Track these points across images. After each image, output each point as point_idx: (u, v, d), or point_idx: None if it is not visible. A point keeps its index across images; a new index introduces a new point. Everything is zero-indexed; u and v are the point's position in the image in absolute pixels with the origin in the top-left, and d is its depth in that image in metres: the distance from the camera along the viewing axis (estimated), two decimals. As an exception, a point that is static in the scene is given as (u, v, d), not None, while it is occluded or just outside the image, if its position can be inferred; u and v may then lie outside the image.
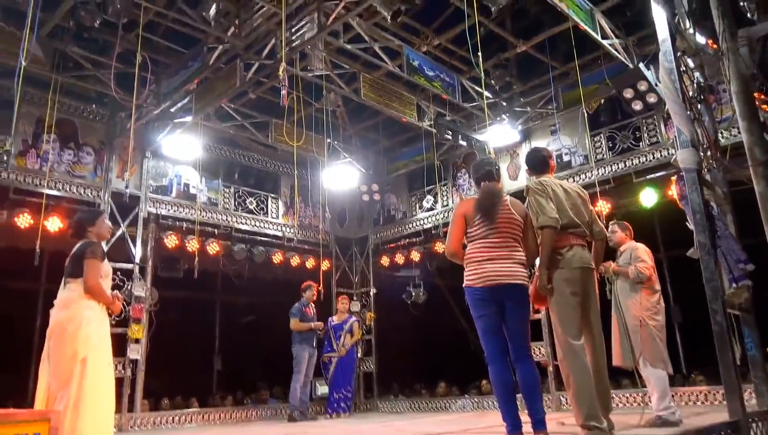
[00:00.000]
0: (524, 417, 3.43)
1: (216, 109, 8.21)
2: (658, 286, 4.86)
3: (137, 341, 7.62)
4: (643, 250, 4.96)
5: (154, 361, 7.86)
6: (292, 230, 9.91)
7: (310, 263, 9.91)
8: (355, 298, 10.54)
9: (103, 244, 7.42)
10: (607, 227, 4.70)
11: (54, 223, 7.22)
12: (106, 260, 4.14)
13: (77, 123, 7.97)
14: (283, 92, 5.54)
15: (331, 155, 9.48)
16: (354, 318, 8.97)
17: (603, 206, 7.55)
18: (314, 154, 9.20)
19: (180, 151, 8.38)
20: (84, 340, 3.73)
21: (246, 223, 9.40)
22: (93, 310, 3.86)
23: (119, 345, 7.43)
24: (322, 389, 8.92)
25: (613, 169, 7.82)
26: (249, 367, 10.48)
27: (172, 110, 7.86)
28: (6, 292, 8.49)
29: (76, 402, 3.56)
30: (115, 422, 7.02)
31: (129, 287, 7.78)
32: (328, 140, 9.18)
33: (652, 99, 6.88)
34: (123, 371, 7.44)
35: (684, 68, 3.81)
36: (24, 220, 7.17)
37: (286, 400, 8.48)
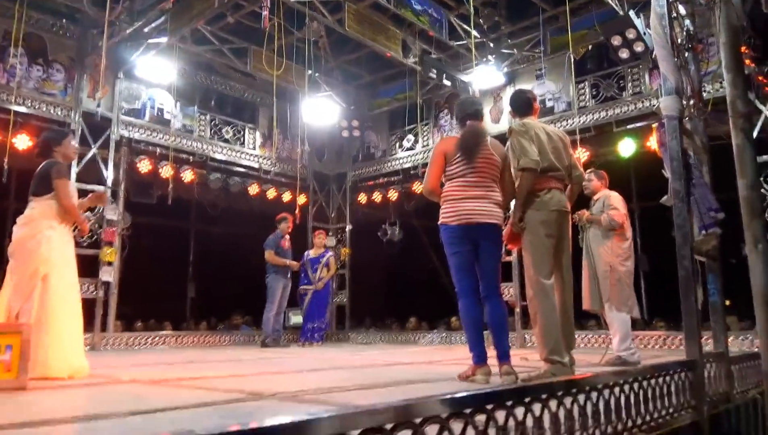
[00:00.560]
0: (491, 351, 3.53)
1: (192, 32, 7.90)
2: (629, 234, 5.01)
3: (110, 264, 7.57)
4: (616, 197, 5.05)
5: (128, 285, 7.87)
6: (269, 162, 9.78)
7: (286, 196, 9.85)
8: (331, 233, 10.57)
9: (74, 165, 7.36)
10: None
11: (22, 141, 7.01)
12: (72, 180, 4.09)
13: (46, 38, 7.63)
14: (264, 13, 5.34)
15: (312, 87, 9.25)
16: (330, 253, 9.03)
17: (581, 154, 7.58)
18: (294, 85, 8.97)
19: (154, 74, 8.10)
20: (45, 257, 3.75)
21: (222, 153, 9.23)
22: (54, 229, 3.87)
23: (92, 267, 7.41)
24: (296, 319, 9.06)
25: (595, 118, 7.81)
26: (223, 295, 10.56)
27: (146, 30, 7.52)
28: (-27, 210, 8.32)
29: (38, 318, 3.59)
30: (87, 341, 7.13)
31: (101, 210, 7.66)
32: (309, 72, 8.92)
33: (639, 48, 6.82)
34: (96, 292, 7.44)
35: (675, 14, 3.73)
36: (-9, 136, 6.93)
37: (260, 328, 8.62)
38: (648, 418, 2.30)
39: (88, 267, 7.31)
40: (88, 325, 7.27)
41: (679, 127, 3.14)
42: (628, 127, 7.61)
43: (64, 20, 7.74)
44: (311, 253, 8.77)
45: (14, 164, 6.81)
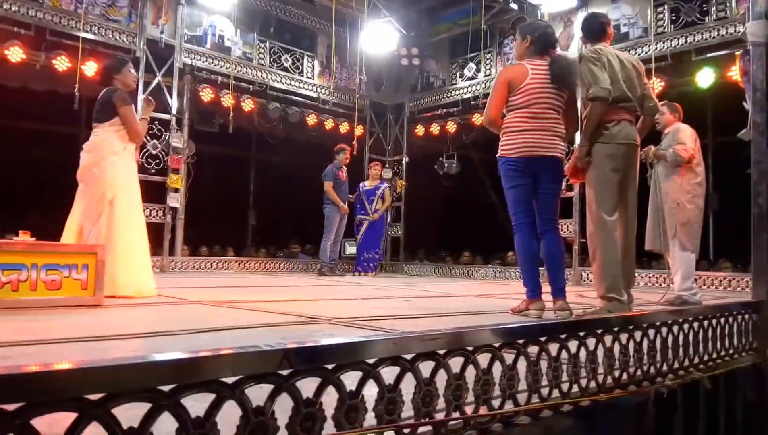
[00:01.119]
0: (545, 287, 3.50)
1: (253, -46, 7.75)
2: (699, 170, 4.74)
3: (176, 190, 7.88)
4: (685, 132, 4.76)
5: (193, 211, 8.18)
6: (327, 92, 9.72)
7: (344, 127, 9.82)
8: (387, 165, 10.55)
9: (140, 92, 7.55)
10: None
11: (91, 68, 7.19)
12: (133, 107, 4.21)
13: (110, -38, 7.65)
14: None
15: (371, 13, 9.00)
16: (386, 184, 9.06)
17: (656, 84, 7.11)
18: (353, 9, 8.73)
19: (215, 0, 8.05)
20: (110, 181, 3.93)
21: (281, 82, 9.22)
22: (118, 154, 4.01)
23: (159, 193, 7.74)
24: (351, 249, 9.25)
25: (673, 45, 7.25)
26: (282, 224, 10.86)
27: (207, -48, 7.44)
28: (48, 135, 8.75)
29: (107, 238, 3.80)
30: (156, 264, 7.56)
31: (167, 138, 7.90)
32: (369, -5, 8.66)
33: (728, -34, 6.22)
34: (163, 217, 7.80)
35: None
36: (62, 63, 7.14)
37: (317, 257, 8.87)
38: (706, 357, 2.25)
39: (155, 193, 7.65)
40: (158, 249, 7.71)
41: (766, 54, 2.88)
42: (709, 55, 7.04)
43: (127, -57, 7.75)
44: (367, 184, 8.83)
45: (83, 91, 7.03)
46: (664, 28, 7.37)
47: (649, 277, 7.17)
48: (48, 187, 7.43)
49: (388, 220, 10.28)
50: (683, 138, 4.70)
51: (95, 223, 3.87)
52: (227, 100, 8.45)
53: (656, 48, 7.28)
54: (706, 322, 2.28)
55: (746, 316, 2.53)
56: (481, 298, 5.12)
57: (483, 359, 1.49)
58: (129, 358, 0.97)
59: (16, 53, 6.86)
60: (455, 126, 9.71)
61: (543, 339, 1.69)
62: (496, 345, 1.56)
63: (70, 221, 3.96)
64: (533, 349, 1.64)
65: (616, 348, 1.89)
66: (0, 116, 8.03)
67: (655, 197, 4.81)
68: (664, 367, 2.05)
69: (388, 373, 1.28)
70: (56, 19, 7.16)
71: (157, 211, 7.76)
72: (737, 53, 3.54)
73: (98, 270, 3.36)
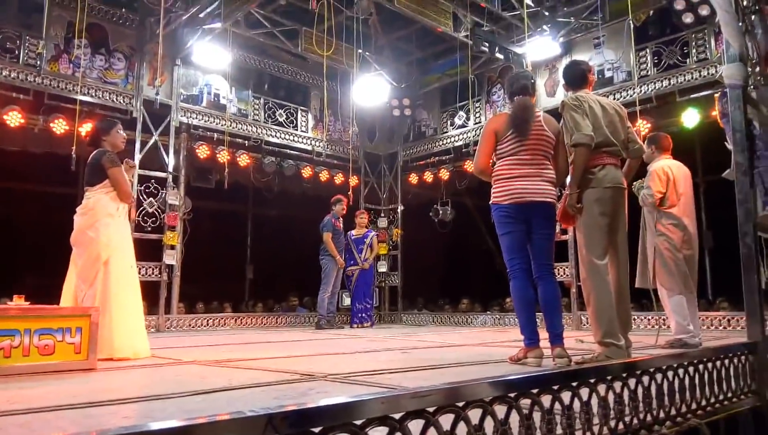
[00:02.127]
0: (543, 334, 3.48)
1: (245, 16, 8.00)
2: (675, 210, 4.65)
3: (172, 247, 7.89)
4: (654, 172, 4.70)
5: (189, 268, 8.18)
6: (321, 144, 9.87)
7: (338, 178, 9.94)
8: (383, 214, 10.63)
9: (137, 152, 7.67)
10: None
11: (88, 129, 7.31)
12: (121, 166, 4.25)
13: (108, 28, 7.90)
14: (313, -6, 5.34)
15: (362, 67, 9.23)
16: (373, 232, 9.10)
17: (643, 126, 7.26)
18: (344, 65, 8.97)
19: (210, 60, 8.27)
20: (105, 243, 3.95)
21: (276, 136, 9.38)
22: (111, 216, 4.05)
23: (155, 251, 7.75)
24: (348, 300, 9.21)
25: (657, 87, 7.44)
26: (279, 277, 10.83)
27: (201, 15, 7.69)
28: (45, 196, 8.83)
29: (102, 300, 3.79)
30: (152, 323, 7.50)
31: (163, 195, 7.97)
32: (359, 51, 8.90)
33: (704, 11, 6.48)
34: (159, 275, 7.79)
35: (741, -26, 3.49)
36: (59, 126, 7.29)
37: (314, 310, 8.81)
38: (704, 402, 2.22)
39: (151, 251, 7.66)
40: (153, 308, 7.67)
41: (742, 96, 2.96)
42: (692, 96, 7.22)
43: (123, 9, 8.00)
44: (354, 233, 8.85)
45: (80, 152, 7.12)
46: (647, 71, 7.57)
47: (648, 320, 7.12)
48: (46, 249, 7.44)
49: (386, 268, 10.29)
50: (650, 181, 4.68)
51: (91, 285, 3.87)
52: (223, 156, 8.58)
53: (641, 91, 7.46)
54: (701, 366, 2.26)
55: (743, 357, 2.52)
56: (480, 347, 5.07)
57: (474, 414, 1.48)
58: (120, 428, 0.96)
59: (15, 118, 7.01)
60: (448, 173, 9.83)
61: (535, 391, 1.68)
62: (487, 399, 1.55)
63: (66, 287, 3.97)
64: (525, 402, 1.63)
65: (611, 397, 1.87)
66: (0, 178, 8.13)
67: (643, 235, 4.82)
68: (661, 414, 2.02)
69: (378, 433, 1.27)
70: (54, 83, 7.34)
71: (153, 269, 7.75)
72: (716, 95, 3.64)
73: (92, 333, 3.34)
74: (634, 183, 4.78)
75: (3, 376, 2.97)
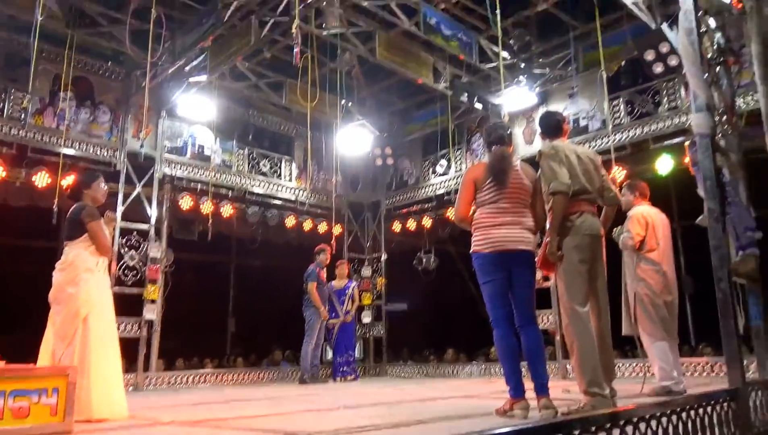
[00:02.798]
0: (529, 383, 3.46)
1: (230, 69, 8.15)
2: (654, 254, 4.69)
3: (153, 302, 7.75)
4: (633, 217, 4.78)
5: (170, 321, 8.02)
6: (305, 194, 9.92)
7: (322, 227, 9.95)
8: (366, 262, 10.61)
9: (119, 204, 7.64)
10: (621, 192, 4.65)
11: (70, 183, 7.29)
12: (101, 220, 4.21)
13: (93, 81, 7.99)
14: (296, 50, 5.49)
15: (345, 117, 9.39)
16: (354, 283, 9.03)
17: (618, 173, 7.43)
18: (328, 115, 9.12)
19: (195, 112, 8.36)
20: (84, 299, 3.86)
21: (260, 186, 9.42)
22: (91, 271, 3.97)
23: (135, 305, 7.60)
24: (331, 353, 9.06)
25: (630, 135, 7.65)
26: (262, 329, 10.68)
27: (187, 69, 7.83)
28: (26, 251, 8.71)
29: (81, 359, 3.69)
30: (130, 381, 7.30)
31: (145, 248, 7.90)
32: (343, 101, 9.08)
33: (673, 61, 6.73)
34: (139, 331, 7.61)
35: (705, 28, 3.66)
36: (42, 179, 7.27)
37: (298, 363, 8.64)
38: (689, 453, 2.21)
39: (131, 306, 7.50)
40: (132, 365, 7.47)
41: (711, 144, 3.06)
42: (666, 143, 7.43)
43: (109, 63, 8.11)
44: (335, 285, 8.73)
45: (63, 205, 7.07)
46: (621, 119, 7.80)
47: (633, 367, 7.08)
48: (25, 304, 7.29)
49: (370, 319, 10.18)
50: (629, 225, 4.76)
51: (70, 343, 3.76)
52: (206, 207, 8.56)
53: (615, 139, 7.66)
54: (684, 414, 2.25)
55: (725, 404, 2.52)
56: (466, 399, 5.01)
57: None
58: None
59: (-4, 171, 6.97)
60: (431, 221, 9.90)
61: (519, 446, 1.66)
62: (471, 457, 1.53)
63: (43, 345, 3.85)
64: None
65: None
66: (-21, 232, 8.03)
67: (625, 283, 4.86)
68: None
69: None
70: (38, 136, 7.36)
71: (132, 325, 7.57)
72: (686, 144, 3.76)
73: (69, 393, 3.24)
74: (614, 229, 4.84)
75: (-27, 441, 2.87)
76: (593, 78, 8.01)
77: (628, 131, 7.68)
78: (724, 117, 3.55)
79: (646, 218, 4.78)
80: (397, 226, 10.40)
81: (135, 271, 7.73)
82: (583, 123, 8.15)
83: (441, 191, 9.84)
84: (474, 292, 9.79)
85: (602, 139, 7.85)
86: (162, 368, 8.18)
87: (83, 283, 3.90)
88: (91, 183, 4.24)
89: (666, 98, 7.49)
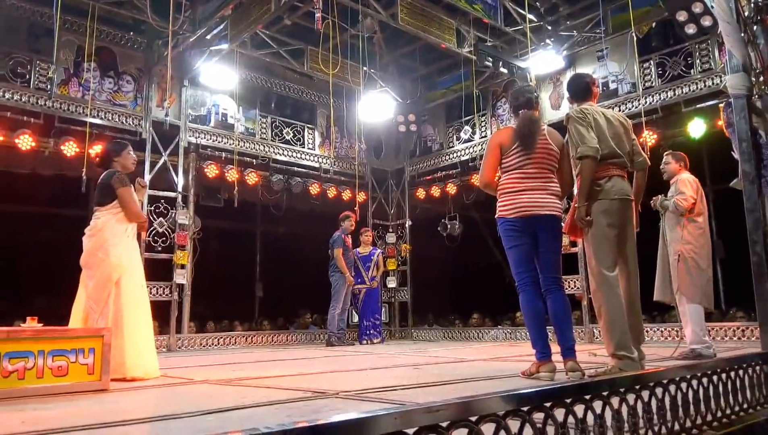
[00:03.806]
0: (555, 347, 3.46)
1: (251, 37, 8.10)
2: (701, 219, 4.79)
3: (183, 267, 7.92)
4: (685, 180, 4.85)
5: (200, 286, 8.20)
6: (328, 161, 9.93)
7: (346, 195, 9.98)
8: (391, 229, 10.65)
9: (146, 172, 7.75)
10: (653, 157, 4.58)
11: (98, 151, 7.39)
12: (131, 187, 4.28)
13: (116, 51, 8.02)
14: (318, 15, 5.43)
15: (368, 84, 9.32)
16: (378, 250, 9.11)
17: (649, 137, 7.28)
18: (350, 83, 9.05)
19: (217, 80, 8.37)
20: (116, 263, 3.95)
21: (283, 154, 9.45)
22: (119, 235, 4.04)
23: (166, 270, 7.78)
24: (357, 318, 9.20)
25: (662, 98, 7.46)
26: (289, 294, 10.83)
27: (208, 37, 7.81)
28: (56, 218, 8.91)
29: (114, 320, 3.79)
30: (163, 343, 7.52)
31: (173, 215, 8.02)
32: (365, 68, 8.99)
33: (707, 22, 6.50)
34: (170, 295, 7.81)
35: (742, -15, 3.51)
36: (70, 149, 7.38)
37: (325, 327, 8.80)
38: (719, 414, 2.20)
39: (162, 271, 7.70)
40: (164, 327, 7.70)
41: (747, 105, 2.97)
42: (698, 106, 7.23)
43: (131, 33, 8.13)
44: (360, 251, 8.84)
45: (91, 174, 7.20)
46: (652, 82, 7.59)
47: (661, 331, 7.07)
48: (56, 270, 7.50)
49: (395, 284, 10.29)
50: (683, 187, 4.77)
51: (105, 305, 3.87)
52: (231, 175, 8.64)
53: (646, 102, 7.48)
54: (715, 377, 2.24)
55: (758, 367, 2.49)
56: (491, 361, 5.04)
57: (488, 429, 1.48)
58: None
59: (26, 141, 7.10)
60: (455, 188, 9.85)
61: (548, 405, 1.67)
62: (500, 413, 1.54)
63: (75, 308, 3.96)
64: (539, 416, 1.63)
65: (624, 409, 1.86)
66: (10, 201, 8.22)
67: (663, 248, 4.84)
68: (676, 427, 2.01)
69: (392, 449, 1.27)
70: (64, 106, 7.44)
71: (164, 289, 7.78)
72: (721, 105, 3.65)
73: (104, 353, 3.36)
74: (656, 197, 4.85)
75: (18, 398, 2.98)
76: (623, 40, 7.80)
77: (659, 94, 7.48)
78: (761, 77, 3.43)
79: (697, 183, 4.89)
80: (421, 193, 10.37)
81: (164, 238, 7.89)
82: (612, 86, 7.96)
83: (465, 157, 9.76)
84: (499, 258, 9.81)
85: (632, 102, 7.67)
86: (194, 330, 8.42)
87: (113, 249, 3.97)
88: (121, 151, 4.30)
89: (699, 60, 7.26)
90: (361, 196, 9.91)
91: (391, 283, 10.32)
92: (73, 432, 2.15)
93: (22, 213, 8.69)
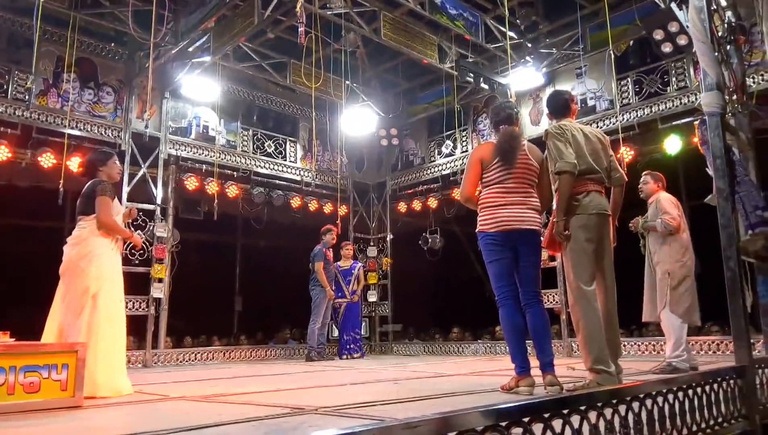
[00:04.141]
0: (534, 361, 3.48)
1: (234, 49, 8.10)
2: (685, 236, 4.91)
3: (160, 281, 7.82)
4: (666, 200, 4.95)
5: (177, 300, 8.09)
6: (310, 174, 9.92)
7: (327, 208, 9.96)
8: (372, 243, 10.64)
9: (125, 184, 7.66)
10: (630, 173, 4.66)
11: (76, 163, 7.29)
12: (116, 200, 4.22)
13: (97, 62, 7.95)
14: (301, 30, 5.45)
15: (350, 98, 9.35)
16: (359, 263, 9.09)
17: (626, 153, 7.39)
18: (332, 96, 9.08)
19: (199, 92, 8.34)
20: (95, 275, 3.85)
21: (264, 167, 9.41)
22: (104, 247, 3.96)
23: (143, 284, 7.67)
24: (337, 332, 9.13)
25: (639, 115, 7.60)
26: (269, 308, 10.75)
27: (191, 49, 7.78)
28: (32, 231, 8.76)
29: (87, 335, 3.68)
30: (139, 358, 7.39)
31: (151, 228, 7.93)
32: (347, 82, 9.03)
33: (682, 41, 6.64)
34: (147, 309, 7.69)
35: (715, 6, 3.61)
36: (47, 160, 7.27)
37: (304, 341, 8.72)
38: (695, 428, 2.23)
39: (139, 284, 7.58)
40: (141, 342, 7.57)
41: (721, 123, 3.04)
42: (674, 123, 7.38)
43: (112, 44, 8.06)
44: (341, 265, 8.79)
45: (68, 186, 7.09)
46: (629, 99, 7.74)
47: (638, 345, 7.13)
48: (31, 283, 7.35)
49: (376, 298, 10.27)
50: (666, 207, 4.86)
51: (77, 318, 3.76)
52: (212, 188, 8.58)
53: (623, 119, 7.61)
54: (691, 391, 2.27)
55: (732, 381, 2.53)
56: (472, 376, 5.04)
57: (466, 445, 1.48)
58: None
59: (2, 152, 6.99)
60: (436, 201, 9.90)
61: (526, 420, 1.68)
62: (479, 429, 1.55)
63: (50, 319, 3.85)
64: (517, 431, 1.63)
65: (602, 424, 1.87)
66: (-15, 213, 8.06)
67: (649, 268, 4.91)
68: (653, 441, 2.03)
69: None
70: (43, 117, 7.34)
71: (140, 302, 7.66)
72: (696, 123, 3.74)
73: (78, 369, 3.28)
74: (635, 220, 4.94)
75: (-13, 415, 2.91)
76: (601, 58, 7.94)
77: (637, 111, 7.63)
78: (734, 96, 3.52)
79: (677, 202, 5.00)
80: (402, 207, 10.40)
81: (142, 250, 7.77)
82: (591, 103, 8.09)
83: (447, 172, 9.82)
84: (480, 272, 9.83)
85: (610, 119, 7.80)
86: (170, 345, 8.29)
87: (96, 259, 3.89)
88: (106, 160, 4.24)
89: (675, 78, 7.42)
90: (342, 210, 9.90)
91: (372, 296, 10.29)
92: (45, 450, 2.10)
93: (-3, 225, 8.52)
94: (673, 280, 4.72)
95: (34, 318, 4.51)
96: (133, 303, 7.50)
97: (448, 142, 9.87)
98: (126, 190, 7.68)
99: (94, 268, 3.86)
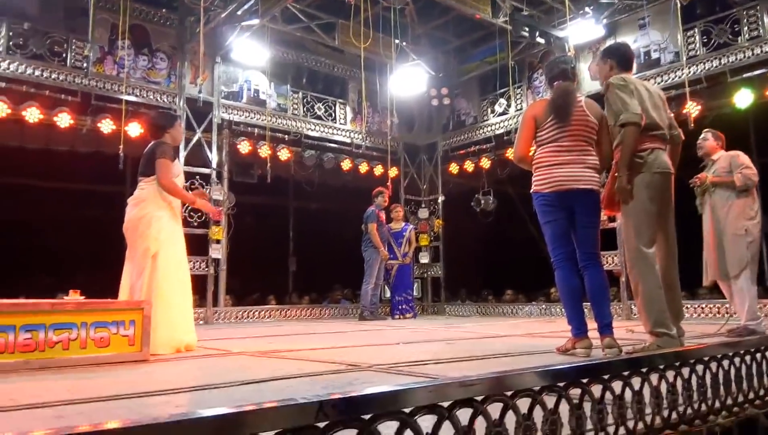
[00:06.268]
0: (592, 324, 3.40)
1: (282, 11, 8.07)
2: (756, 194, 4.71)
3: (218, 242, 8.07)
4: (745, 156, 4.78)
5: (234, 261, 8.33)
6: (360, 136, 9.90)
7: (378, 170, 9.94)
8: (423, 205, 10.61)
9: (181, 149, 7.85)
10: (697, 129, 4.45)
11: (134, 129, 7.52)
12: (177, 160, 4.30)
13: (149, 28, 8.09)
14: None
15: (400, 57, 9.20)
16: (411, 225, 9.09)
17: (692, 108, 7.00)
18: (382, 56, 8.94)
19: (249, 56, 8.39)
20: (155, 236, 3.94)
21: (315, 130, 9.45)
22: (163, 209, 4.03)
23: (202, 245, 7.93)
24: (389, 293, 9.24)
25: (706, 67, 7.16)
26: (322, 269, 10.94)
27: (239, 12, 7.78)
28: (94, 195, 9.14)
29: (147, 294, 3.79)
30: (200, 315, 7.69)
31: (208, 191, 8.13)
32: (397, 41, 8.86)
33: (757, -14, 6.17)
34: (207, 269, 7.98)
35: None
36: (107, 126, 7.51)
37: (357, 301, 8.86)
38: (762, 392, 2.14)
39: (198, 245, 7.84)
40: (202, 300, 7.87)
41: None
42: (745, 75, 6.92)
43: (164, 10, 8.18)
44: (392, 227, 8.83)
45: (128, 151, 7.33)
46: (696, 51, 7.29)
47: (702, 308, 6.90)
48: (96, 246, 7.71)
49: (428, 260, 10.29)
50: (746, 162, 4.66)
51: (139, 277, 3.89)
52: (264, 151, 8.69)
53: (689, 72, 7.20)
54: (759, 355, 2.17)
55: (804, 345, 2.40)
56: (526, 337, 5.00)
57: (523, 404, 1.46)
58: (173, 415, 0.98)
59: (64, 119, 7.25)
60: (489, 162, 9.71)
61: (585, 381, 1.64)
62: (536, 389, 1.52)
63: (123, 277, 4.00)
64: (575, 392, 1.60)
65: (663, 386, 1.82)
66: (51, 178, 8.45)
67: (716, 225, 4.68)
68: (716, 404, 1.96)
69: (426, 421, 1.26)
70: (100, 84, 7.56)
71: (200, 263, 7.95)
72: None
73: (144, 325, 3.44)
74: (703, 174, 4.80)
75: (63, 367, 3.09)
76: (665, 7, 7.49)
77: (704, 63, 7.18)
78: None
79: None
80: (454, 168, 10.27)
81: (200, 213, 8.00)
82: (654, 55, 7.66)
83: (500, 131, 9.59)
84: (534, 233, 9.67)
85: (676, 72, 7.38)
86: (230, 304, 8.60)
87: (155, 220, 3.97)
88: (173, 122, 4.33)
89: (746, 27, 6.93)
90: (393, 172, 9.87)
91: (424, 258, 10.32)
92: (117, 400, 2.21)
93: (62, 190, 8.92)
94: (749, 238, 4.53)
95: (99, 278, 4.74)
96: (194, 263, 7.77)
97: (501, 100, 9.61)
98: (183, 154, 7.88)
99: (153, 229, 3.95)
